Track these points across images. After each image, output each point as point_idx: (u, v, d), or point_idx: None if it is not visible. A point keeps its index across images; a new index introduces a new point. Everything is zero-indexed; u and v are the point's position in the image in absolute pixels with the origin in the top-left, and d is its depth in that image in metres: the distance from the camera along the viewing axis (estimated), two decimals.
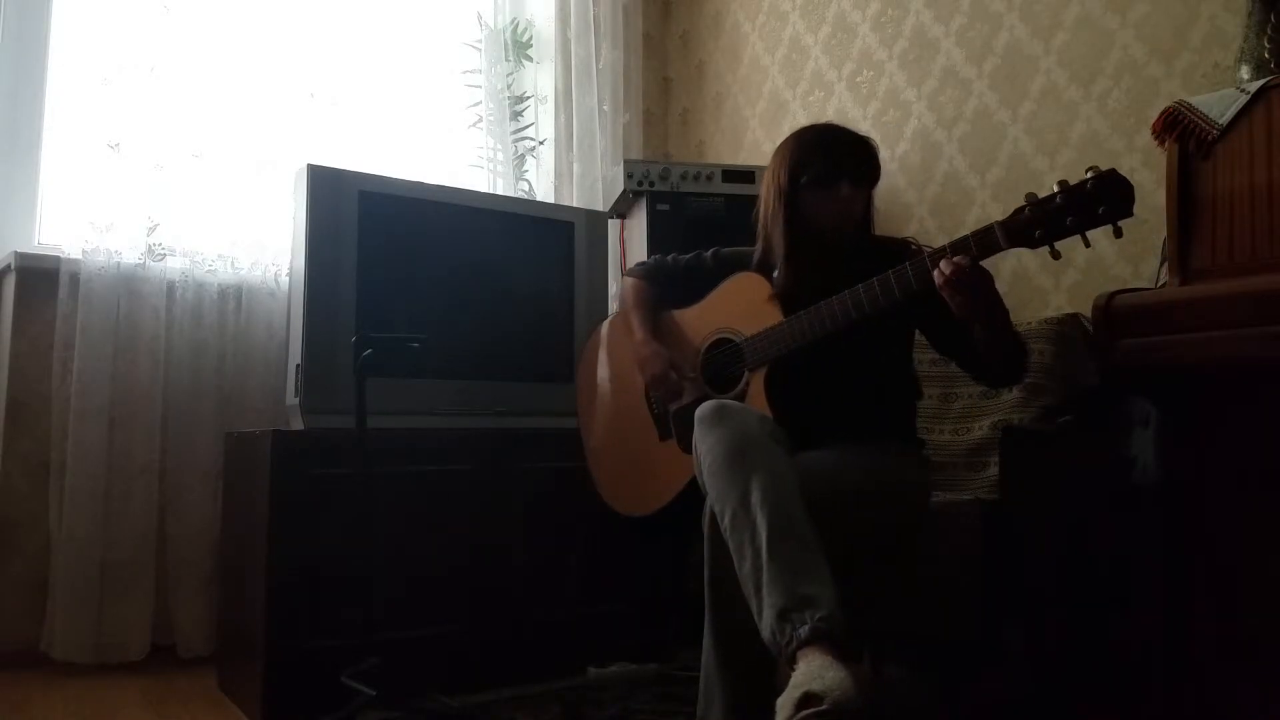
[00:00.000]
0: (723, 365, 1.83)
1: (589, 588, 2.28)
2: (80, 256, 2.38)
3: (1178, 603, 1.67)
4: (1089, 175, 1.35)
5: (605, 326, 2.15)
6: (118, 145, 2.44)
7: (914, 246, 1.71)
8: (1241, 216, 1.60)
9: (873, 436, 1.68)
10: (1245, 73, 1.68)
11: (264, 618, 1.89)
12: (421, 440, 2.13)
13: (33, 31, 2.50)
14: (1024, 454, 1.80)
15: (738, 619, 1.38)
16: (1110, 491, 1.80)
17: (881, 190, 1.83)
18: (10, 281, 2.40)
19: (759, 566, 1.33)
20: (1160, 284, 1.74)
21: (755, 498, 1.38)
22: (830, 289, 1.61)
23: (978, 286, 1.45)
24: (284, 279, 2.60)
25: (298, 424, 2.12)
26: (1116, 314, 1.67)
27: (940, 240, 1.57)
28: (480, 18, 3.15)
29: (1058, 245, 1.40)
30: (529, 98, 3.29)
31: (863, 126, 2.41)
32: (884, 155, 1.81)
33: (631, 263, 2.54)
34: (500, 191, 3.09)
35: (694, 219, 2.64)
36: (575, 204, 3.06)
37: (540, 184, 3.23)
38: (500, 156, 3.14)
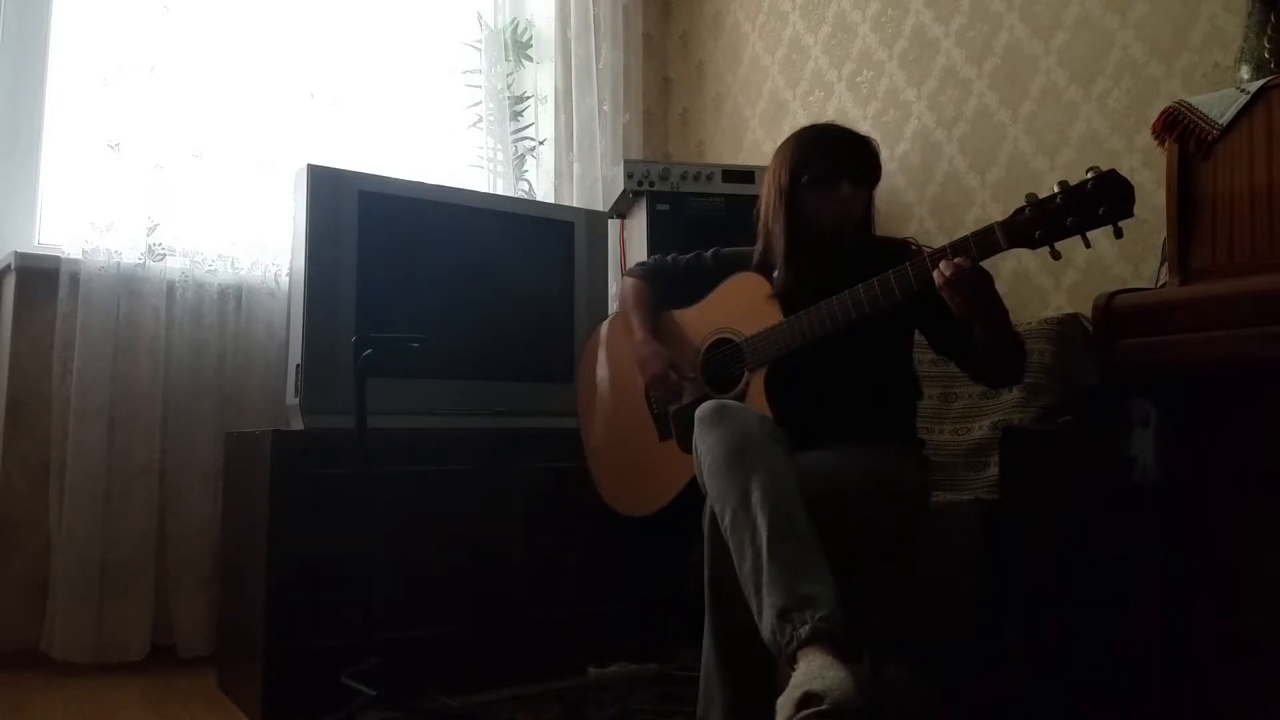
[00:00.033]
0: (723, 365, 1.83)
1: (589, 588, 2.28)
2: (80, 256, 2.38)
3: (1178, 603, 1.67)
4: (1089, 175, 1.35)
5: (605, 326, 2.15)
6: (118, 145, 2.44)
7: (914, 247, 1.71)
8: (1241, 216, 1.60)
9: (873, 436, 1.68)
10: (1245, 73, 1.68)
11: (264, 618, 1.89)
12: (421, 440, 2.13)
13: (33, 31, 2.50)
14: (1024, 454, 1.80)
15: (738, 619, 1.38)
16: (1110, 491, 1.80)
17: (881, 190, 1.83)
18: (10, 281, 2.40)
19: (759, 566, 1.33)
20: (1160, 284, 1.74)
21: (755, 498, 1.38)
22: (830, 289, 1.61)
23: (978, 287, 1.45)
24: (284, 279, 2.60)
25: (298, 424, 2.12)
26: (1116, 314, 1.67)
27: (940, 240, 1.57)
28: (480, 18, 3.15)
29: (1058, 245, 1.40)
30: (529, 98, 3.29)
31: (863, 126, 2.41)
32: (884, 155, 1.81)
33: (631, 263, 2.54)
34: (500, 191, 3.09)
35: (694, 219, 2.64)
36: (575, 204, 3.06)
37: (540, 184, 3.23)
38: (500, 156, 3.14)
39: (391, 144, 2.92)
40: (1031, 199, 1.41)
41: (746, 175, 2.68)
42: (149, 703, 2.07)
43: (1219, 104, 1.63)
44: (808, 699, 1.14)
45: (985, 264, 1.46)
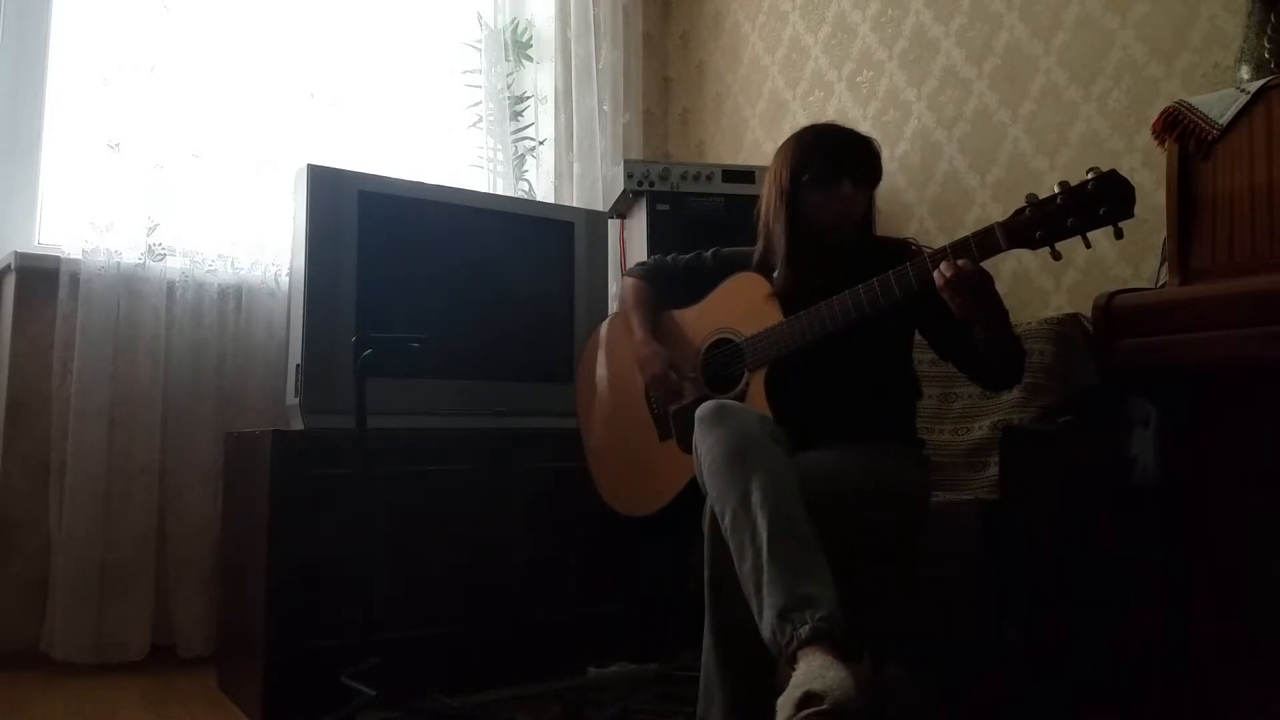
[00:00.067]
0: (723, 365, 1.83)
1: (589, 588, 2.28)
2: (80, 256, 2.38)
3: (1178, 603, 1.67)
4: (1089, 176, 1.35)
5: (605, 326, 2.15)
6: (118, 145, 2.44)
7: (914, 247, 1.71)
8: (1241, 216, 1.60)
9: (873, 436, 1.68)
10: (1245, 73, 1.68)
11: (264, 618, 1.89)
12: (421, 440, 2.13)
13: (33, 31, 2.50)
14: (1024, 454, 1.80)
15: (738, 619, 1.38)
16: (1110, 491, 1.80)
17: (881, 190, 1.83)
18: (10, 281, 2.40)
19: (759, 566, 1.33)
20: (1160, 284, 1.74)
21: (755, 498, 1.38)
22: (830, 289, 1.61)
23: (978, 287, 1.45)
24: (284, 279, 2.60)
25: (298, 424, 2.12)
26: (1116, 314, 1.67)
27: (940, 241, 1.57)
28: (480, 18, 3.15)
29: (1058, 246, 1.40)
30: (529, 98, 3.29)
31: (863, 126, 2.41)
32: (884, 155, 1.81)
33: (631, 263, 2.54)
34: (500, 191, 3.09)
35: (694, 219, 2.64)
36: (575, 204, 3.06)
37: (540, 184, 3.23)
38: (500, 156, 3.14)
39: (391, 144, 2.92)
40: (1032, 199, 1.41)
41: (746, 175, 2.68)
42: (149, 703, 2.07)
43: (1219, 104, 1.63)
44: (808, 699, 1.14)
45: (985, 264, 1.46)
